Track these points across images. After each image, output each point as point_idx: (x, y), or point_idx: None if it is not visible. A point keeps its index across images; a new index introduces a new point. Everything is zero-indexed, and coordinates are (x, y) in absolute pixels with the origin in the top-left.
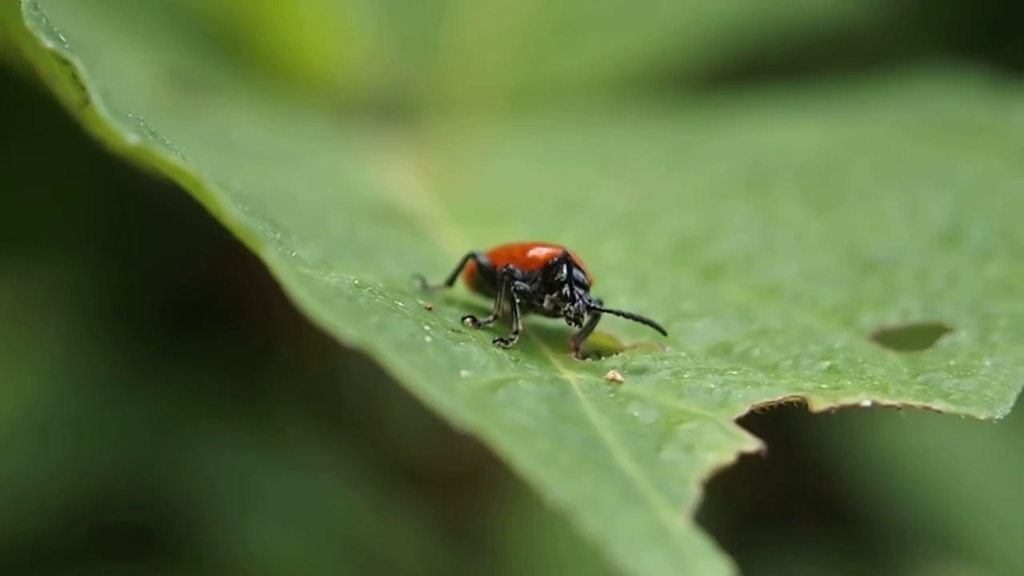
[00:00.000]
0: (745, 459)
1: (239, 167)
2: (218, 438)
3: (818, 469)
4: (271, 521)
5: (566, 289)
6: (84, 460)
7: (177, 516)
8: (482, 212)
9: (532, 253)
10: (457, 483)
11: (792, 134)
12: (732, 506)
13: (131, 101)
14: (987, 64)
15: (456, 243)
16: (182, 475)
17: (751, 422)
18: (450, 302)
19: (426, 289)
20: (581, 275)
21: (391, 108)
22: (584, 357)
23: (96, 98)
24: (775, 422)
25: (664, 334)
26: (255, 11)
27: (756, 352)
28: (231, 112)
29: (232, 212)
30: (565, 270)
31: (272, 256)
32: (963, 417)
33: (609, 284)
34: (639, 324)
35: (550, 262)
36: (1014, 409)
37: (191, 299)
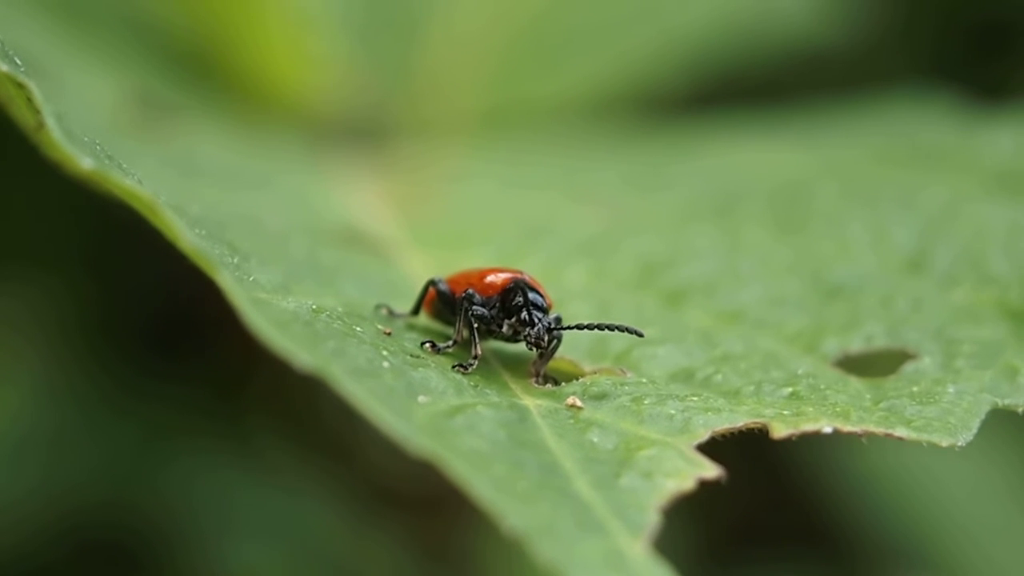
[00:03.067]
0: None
1: (201, 191)
2: (197, 457)
3: (797, 488)
4: (250, 540)
5: (524, 313)
6: (63, 478)
7: (156, 534)
8: (446, 236)
9: (490, 279)
10: (434, 505)
11: (762, 157)
12: (711, 525)
13: (92, 124)
14: (964, 87)
15: (419, 267)
16: (161, 493)
17: (729, 442)
18: (411, 328)
19: (392, 316)
20: (539, 299)
21: (363, 131)
22: (545, 382)
23: (51, 122)
24: (755, 442)
25: (640, 335)
26: (226, 33)
27: (718, 378)
28: (198, 135)
29: (186, 236)
30: (523, 294)
31: (226, 281)
32: (925, 444)
33: (572, 309)
34: (601, 348)
35: (508, 287)
36: (992, 429)
37: (171, 318)
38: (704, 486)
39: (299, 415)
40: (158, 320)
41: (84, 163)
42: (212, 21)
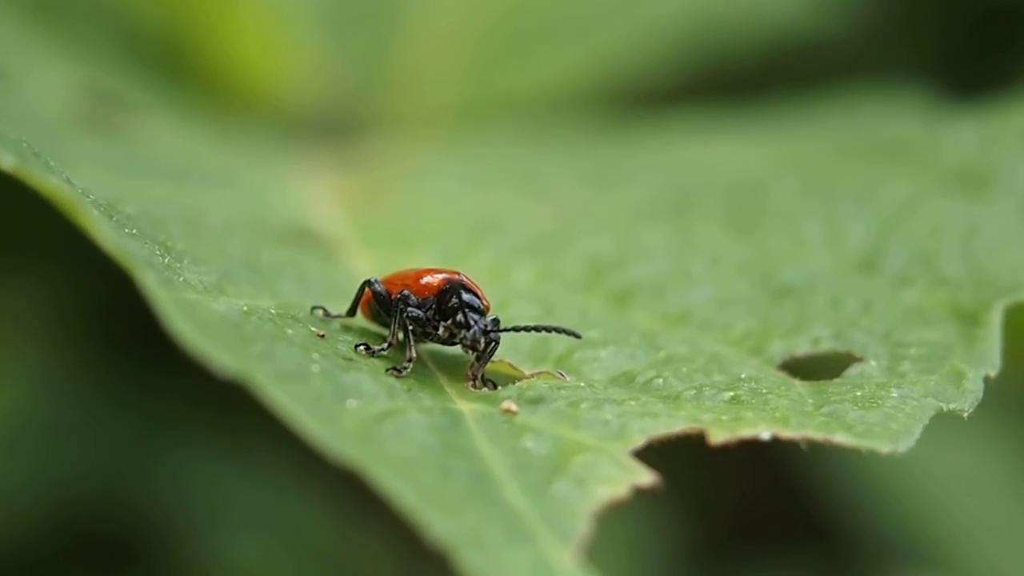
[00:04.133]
0: (724, 474)
1: (147, 188)
2: (194, 449)
3: (795, 484)
4: (244, 533)
5: (460, 316)
6: (61, 470)
7: (152, 527)
8: (395, 235)
9: (426, 280)
10: None
11: (724, 150)
12: (709, 522)
13: (38, 119)
14: (964, 78)
15: (365, 267)
16: (158, 485)
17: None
18: (346, 330)
19: (328, 318)
20: (476, 300)
21: (335, 125)
22: (482, 386)
23: None
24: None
25: (578, 337)
26: (196, 23)
27: (659, 382)
28: (159, 130)
29: (107, 236)
30: (459, 296)
31: (148, 281)
32: (863, 452)
33: (515, 310)
34: (542, 350)
35: (444, 288)
36: (989, 421)
37: None
38: (706, 482)
39: None
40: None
41: (4, 160)
42: (182, 9)
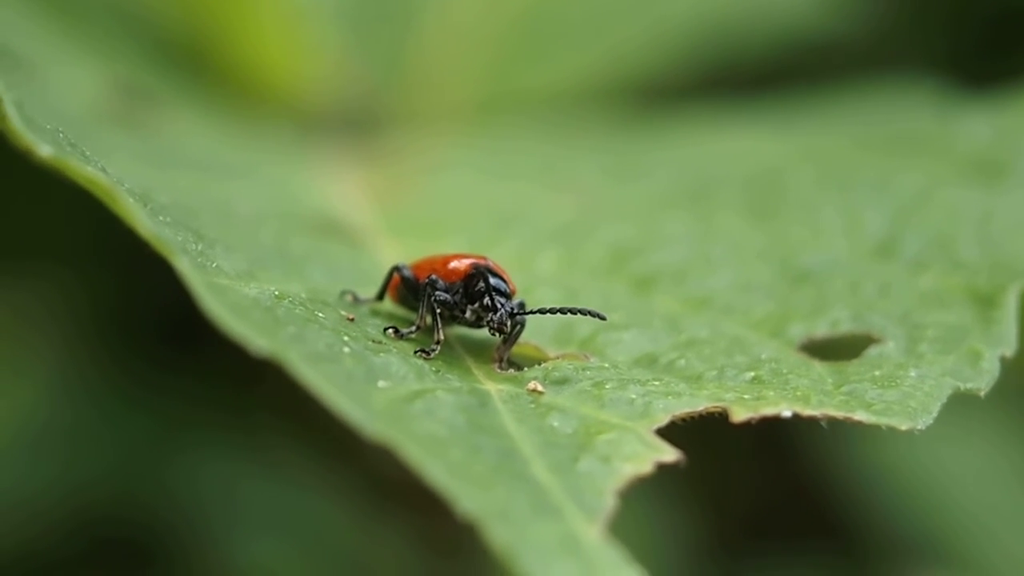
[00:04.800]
0: (737, 471)
1: (177, 179)
2: (211, 449)
3: (809, 481)
4: (261, 535)
5: (487, 299)
6: (79, 472)
7: (170, 528)
8: (420, 225)
9: (453, 264)
10: (442, 501)
11: (742, 144)
12: (723, 518)
13: (69, 114)
14: (973, 76)
15: (392, 255)
16: (175, 487)
17: (746, 435)
18: (375, 314)
19: (357, 302)
20: (502, 284)
21: (355, 121)
22: (508, 368)
23: (10, 110)
24: (768, 433)
25: (603, 319)
26: (218, 22)
27: (681, 363)
28: (185, 124)
29: (144, 222)
30: (485, 280)
31: (184, 266)
32: (884, 428)
33: (540, 295)
34: (567, 333)
35: (471, 273)
36: (1002, 418)
37: (185, 311)
38: (718, 479)
39: (309, 409)
40: (172, 313)
41: (43, 150)
42: (204, 10)
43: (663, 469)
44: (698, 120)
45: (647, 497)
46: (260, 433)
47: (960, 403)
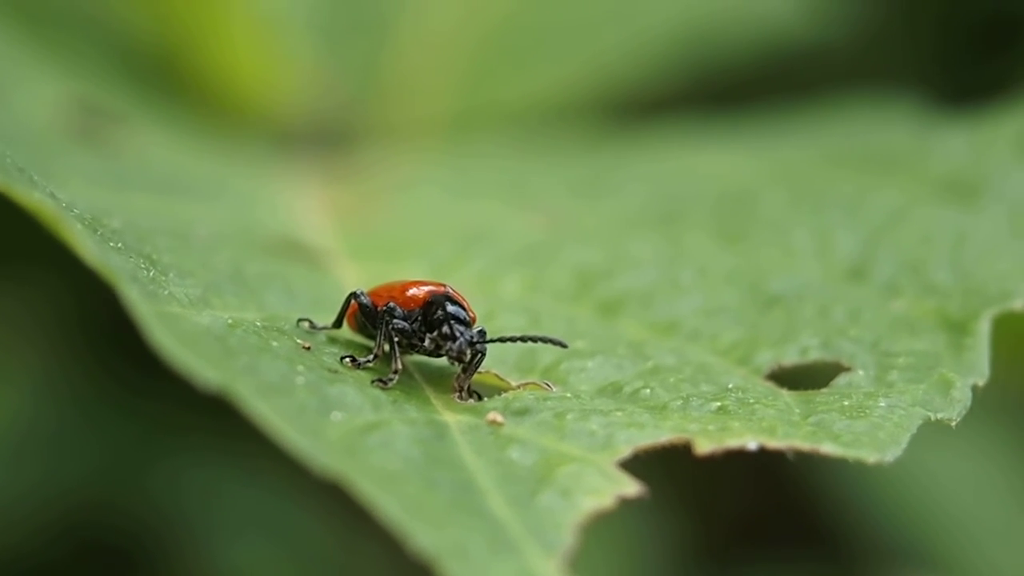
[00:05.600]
0: (725, 478)
1: (134, 201)
2: (195, 454)
3: (796, 487)
4: (246, 538)
5: (445, 327)
6: (62, 477)
7: (153, 532)
8: (384, 247)
9: (412, 292)
10: None
11: (714, 161)
12: (710, 523)
13: (24, 134)
14: (962, 84)
15: (354, 278)
16: (159, 491)
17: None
18: (333, 342)
19: (314, 330)
20: (462, 312)
21: (328, 136)
22: (468, 397)
23: None
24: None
25: (564, 347)
26: (188, 34)
27: (646, 392)
28: (148, 141)
29: (90, 250)
30: (444, 308)
31: (131, 295)
32: (851, 461)
33: (503, 321)
34: (529, 361)
35: (429, 300)
36: (990, 425)
37: None
38: (707, 485)
39: None
40: None
41: None
42: (174, 20)
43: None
44: (674, 135)
45: (634, 504)
46: (244, 439)
47: None
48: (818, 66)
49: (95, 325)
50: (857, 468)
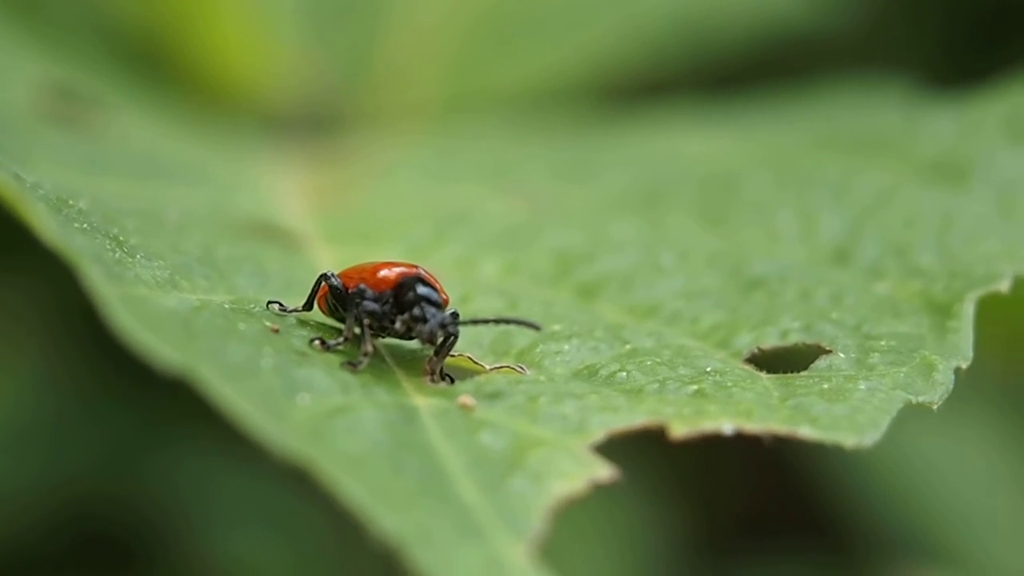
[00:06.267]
0: (728, 468)
1: (105, 184)
2: (195, 442)
3: (799, 478)
4: (245, 528)
5: (416, 309)
6: (63, 467)
7: (153, 523)
8: (361, 230)
9: (383, 273)
10: None
11: (699, 144)
12: (713, 515)
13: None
14: (947, 76)
15: (329, 261)
16: (160, 481)
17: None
18: (303, 324)
19: (284, 313)
20: (434, 294)
21: (317, 121)
22: (440, 380)
23: None
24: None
25: (538, 329)
26: (176, 18)
27: (622, 375)
28: (129, 125)
29: (50, 229)
30: (415, 290)
31: (92, 275)
32: (828, 445)
33: (479, 304)
34: (504, 344)
35: (400, 281)
36: (993, 414)
37: None
38: (710, 476)
39: None
40: None
41: None
42: (162, 6)
43: (650, 466)
44: (664, 119)
45: (637, 494)
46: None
47: (951, 400)
48: (820, 52)
49: (94, 315)
50: (860, 458)
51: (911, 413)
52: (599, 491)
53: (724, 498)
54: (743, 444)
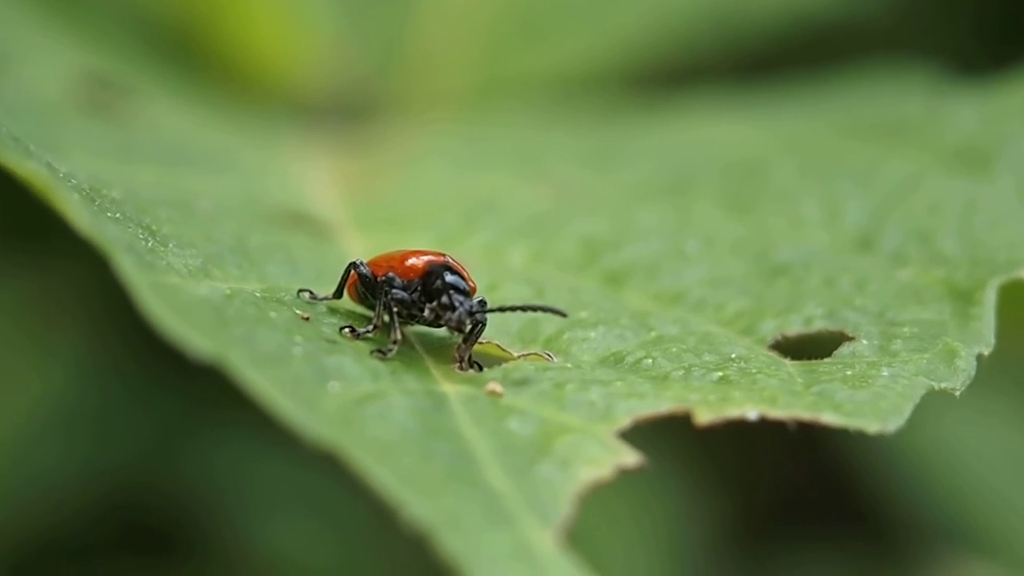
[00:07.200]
0: (765, 455)
1: (138, 173)
2: (239, 428)
3: (836, 465)
4: (291, 515)
5: (444, 297)
6: (109, 454)
7: (197, 509)
8: (391, 218)
9: (411, 261)
10: None
11: (725, 131)
12: (749, 503)
13: (32, 104)
14: (979, 62)
15: (359, 249)
16: (205, 467)
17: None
18: (333, 312)
19: (314, 301)
20: (461, 282)
21: (348, 109)
22: (468, 368)
23: None
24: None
25: (564, 315)
26: (208, 8)
27: (648, 362)
28: (162, 113)
29: (82, 219)
30: (443, 278)
31: (125, 265)
32: (851, 431)
33: (507, 292)
34: (532, 332)
35: (428, 270)
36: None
37: None
38: (746, 463)
39: None
40: None
41: None
42: None
43: (685, 451)
44: (689, 106)
45: (673, 479)
46: None
47: (991, 386)
48: (852, 38)
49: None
50: (898, 444)
51: (951, 399)
52: (635, 476)
53: (760, 484)
54: (779, 429)
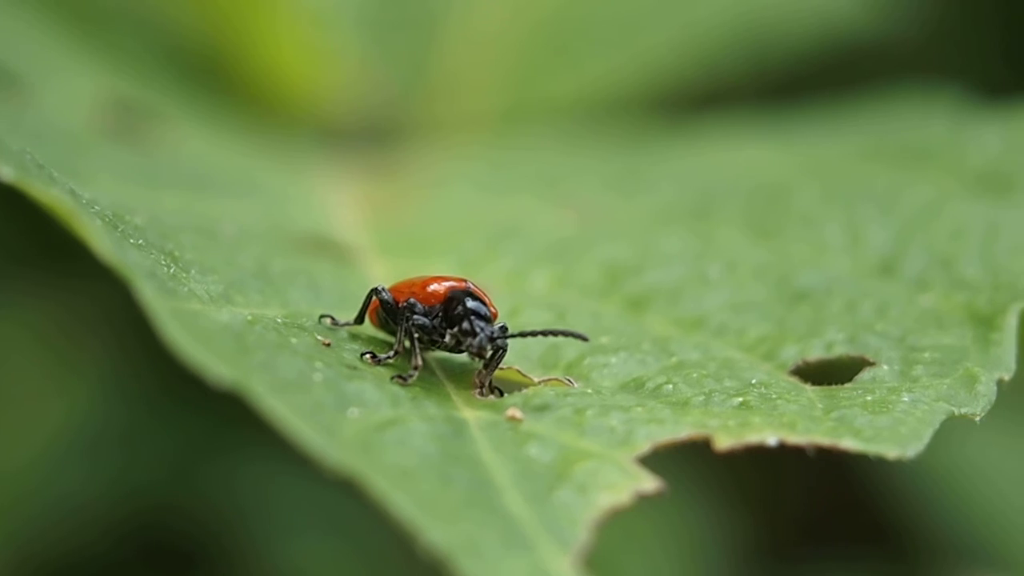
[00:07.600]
0: (789, 474)
1: (161, 198)
2: (259, 448)
3: (861, 485)
4: (315, 535)
5: (466, 323)
6: (134, 475)
7: (218, 529)
8: (413, 243)
9: (432, 287)
10: None
11: (748, 156)
12: (773, 522)
13: (57, 129)
14: (1008, 83)
15: (381, 275)
16: (227, 488)
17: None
18: (354, 338)
19: (336, 327)
20: (482, 308)
21: (374, 132)
22: (489, 393)
23: None
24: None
25: (585, 340)
26: (236, 31)
27: (668, 387)
28: (183, 139)
29: (104, 246)
30: (464, 303)
31: (145, 291)
32: (872, 457)
33: (528, 317)
34: (553, 357)
35: (449, 296)
36: None
37: None
38: (771, 482)
39: None
40: None
41: (3, 172)
42: (220, 17)
43: (709, 471)
44: (713, 130)
45: (698, 499)
46: None
47: (1016, 408)
48: (880, 60)
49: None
50: (922, 465)
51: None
52: (658, 497)
53: (784, 504)
54: (803, 451)
